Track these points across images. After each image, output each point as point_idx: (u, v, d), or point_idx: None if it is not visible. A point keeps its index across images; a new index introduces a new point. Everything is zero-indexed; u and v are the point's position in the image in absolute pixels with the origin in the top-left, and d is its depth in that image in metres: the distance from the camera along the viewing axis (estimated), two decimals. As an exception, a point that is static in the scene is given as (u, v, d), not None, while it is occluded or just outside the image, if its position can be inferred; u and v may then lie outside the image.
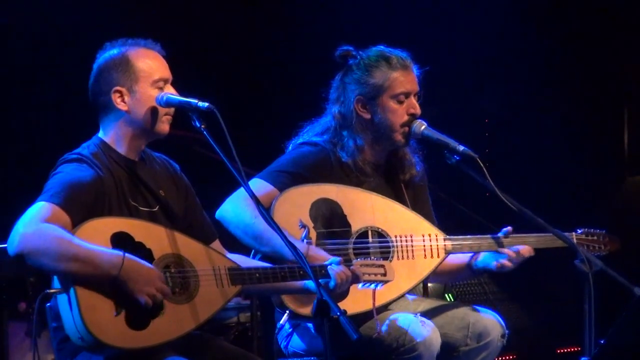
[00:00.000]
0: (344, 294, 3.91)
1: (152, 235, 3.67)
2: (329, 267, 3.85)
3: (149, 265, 3.58)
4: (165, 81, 3.82)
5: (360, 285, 3.97)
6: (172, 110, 3.82)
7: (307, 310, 4.04)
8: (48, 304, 3.74)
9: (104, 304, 3.51)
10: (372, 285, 3.99)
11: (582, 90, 7.27)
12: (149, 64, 3.82)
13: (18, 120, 6.12)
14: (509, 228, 4.30)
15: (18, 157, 6.07)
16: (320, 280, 3.76)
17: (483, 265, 4.33)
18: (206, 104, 3.73)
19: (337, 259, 3.89)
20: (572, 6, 7.12)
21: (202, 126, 3.71)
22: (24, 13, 6.05)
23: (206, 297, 3.68)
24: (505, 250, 4.27)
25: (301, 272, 3.78)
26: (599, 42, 7.19)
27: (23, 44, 6.09)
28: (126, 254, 3.52)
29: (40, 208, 3.55)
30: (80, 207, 3.59)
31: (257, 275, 3.77)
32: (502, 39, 6.99)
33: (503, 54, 7.05)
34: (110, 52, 3.84)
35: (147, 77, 3.80)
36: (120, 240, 3.59)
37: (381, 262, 4.01)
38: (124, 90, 3.79)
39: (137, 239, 3.63)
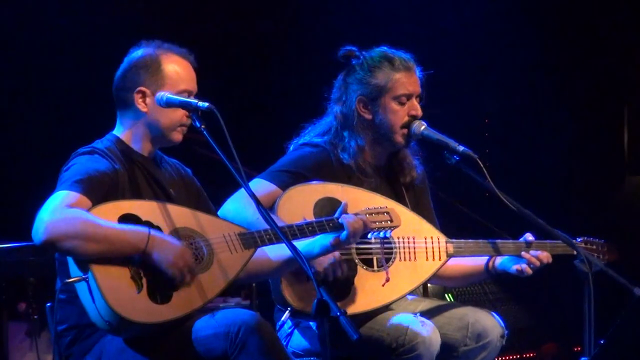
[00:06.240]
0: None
1: (159, 212, 3.69)
2: (340, 218, 3.87)
3: (175, 240, 3.61)
4: (190, 93, 3.83)
5: (370, 234, 4.00)
6: (188, 122, 3.83)
7: (308, 308, 4.03)
8: (48, 304, 3.75)
9: (124, 283, 3.53)
10: (382, 234, 4.01)
11: (582, 90, 7.27)
12: (178, 73, 3.83)
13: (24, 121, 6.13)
14: (531, 238, 4.31)
15: (22, 158, 6.08)
16: (332, 234, 3.84)
17: (502, 268, 4.33)
18: (206, 104, 3.73)
19: (342, 204, 3.91)
20: (572, 6, 7.12)
21: (202, 126, 3.72)
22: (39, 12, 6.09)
23: (223, 264, 3.71)
24: (526, 255, 4.27)
25: (310, 228, 3.84)
26: (599, 42, 7.19)
27: (38, 42, 6.10)
28: (151, 230, 3.56)
29: (63, 196, 3.55)
30: (99, 194, 3.61)
31: (268, 236, 3.79)
32: (502, 39, 6.98)
33: (503, 53, 7.05)
34: (144, 51, 3.86)
35: (174, 85, 3.81)
36: (127, 221, 3.59)
37: (385, 208, 4.03)
38: (147, 92, 3.81)
39: (144, 218, 3.64)
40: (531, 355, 6.55)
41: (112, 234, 3.51)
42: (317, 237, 3.90)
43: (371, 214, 3.98)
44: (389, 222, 4.02)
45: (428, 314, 4.28)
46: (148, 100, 3.81)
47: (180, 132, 3.86)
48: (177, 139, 3.87)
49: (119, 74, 3.87)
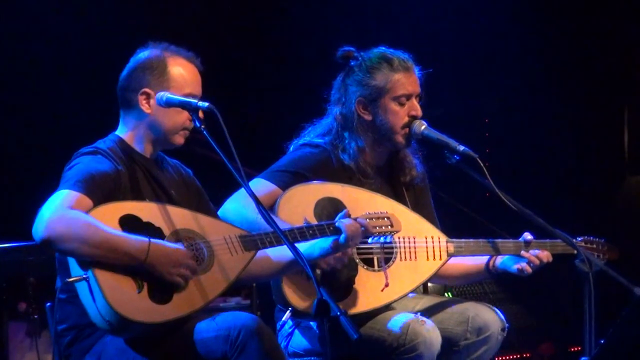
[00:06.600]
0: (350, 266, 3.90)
1: (159, 213, 3.69)
2: (337, 222, 3.88)
3: (175, 245, 3.61)
4: (194, 97, 3.82)
5: (370, 239, 4.02)
6: (191, 126, 3.83)
7: (309, 308, 4.03)
8: (48, 304, 3.74)
9: (125, 283, 3.53)
10: (382, 239, 4.03)
11: (582, 90, 7.27)
12: (184, 76, 3.83)
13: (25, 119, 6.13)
14: (530, 237, 4.31)
15: (22, 158, 6.09)
16: (332, 237, 3.85)
17: (503, 267, 4.33)
18: (206, 104, 3.73)
19: (344, 211, 3.92)
20: (572, 5, 7.12)
21: (202, 126, 3.72)
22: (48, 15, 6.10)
23: (223, 266, 3.71)
24: (526, 254, 4.27)
25: (310, 231, 3.84)
26: (599, 42, 7.19)
27: (39, 42, 6.11)
28: (151, 239, 3.55)
29: (65, 195, 3.54)
30: (101, 195, 3.61)
31: (269, 239, 3.79)
32: (502, 39, 6.99)
33: (503, 53, 7.05)
34: (150, 52, 3.85)
35: (178, 88, 3.80)
36: (128, 222, 3.60)
37: (386, 213, 4.03)
38: (152, 93, 3.80)
39: (144, 220, 3.64)
40: (529, 355, 6.55)
41: (112, 240, 3.50)
42: (317, 240, 3.91)
43: (371, 218, 3.99)
44: (389, 227, 4.02)
45: (428, 310, 4.29)
46: (152, 101, 3.81)
47: (182, 136, 3.86)
48: (179, 142, 3.87)
49: (124, 74, 3.86)
